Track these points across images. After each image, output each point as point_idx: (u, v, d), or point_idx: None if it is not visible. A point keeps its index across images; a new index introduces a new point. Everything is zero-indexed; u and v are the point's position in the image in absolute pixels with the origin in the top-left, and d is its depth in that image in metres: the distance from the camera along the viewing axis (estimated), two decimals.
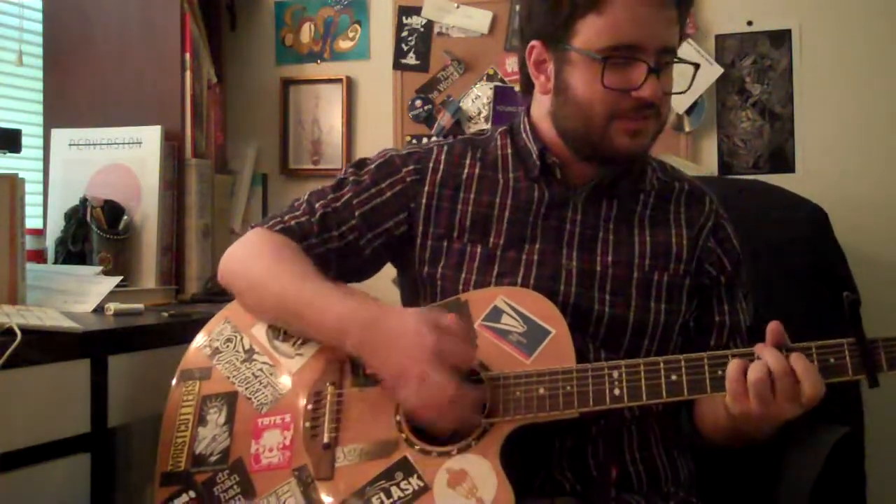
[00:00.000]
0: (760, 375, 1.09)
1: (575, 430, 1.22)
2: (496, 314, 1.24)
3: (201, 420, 1.30)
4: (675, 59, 1.26)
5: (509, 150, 1.38)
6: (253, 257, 1.34)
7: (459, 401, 1.14)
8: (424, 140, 2.35)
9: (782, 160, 2.20)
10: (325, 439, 1.23)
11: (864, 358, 1.09)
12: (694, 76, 1.30)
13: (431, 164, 1.38)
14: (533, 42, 1.30)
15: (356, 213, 1.36)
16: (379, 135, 2.44)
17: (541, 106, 1.34)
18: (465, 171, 1.37)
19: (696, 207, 1.37)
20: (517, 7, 2.34)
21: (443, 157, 1.38)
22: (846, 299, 1.11)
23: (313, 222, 1.36)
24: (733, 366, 1.11)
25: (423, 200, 1.35)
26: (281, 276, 1.29)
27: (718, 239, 1.35)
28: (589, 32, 1.23)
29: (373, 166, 1.39)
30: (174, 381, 1.34)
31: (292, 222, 1.36)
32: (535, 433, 1.19)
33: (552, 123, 1.32)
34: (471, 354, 1.17)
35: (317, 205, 1.37)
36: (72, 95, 2.25)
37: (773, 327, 1.13)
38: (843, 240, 1.85)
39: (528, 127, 1.36)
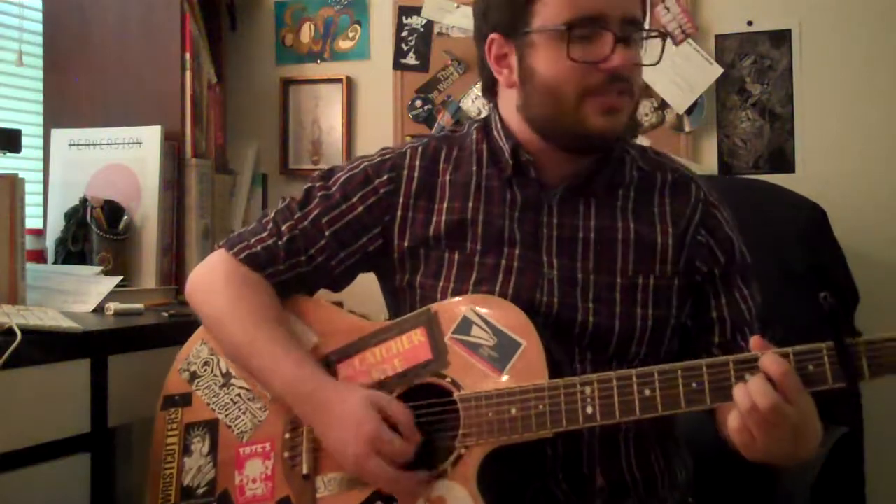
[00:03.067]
0: (753, 402, 1.02)
1: (567, 438, 1.18)
2: (466, 326, 1.20)
3: (186, 450, 1.29)
4: (645, 32, 1.22)
5: (484, 146, 1.31)
6: (214, 293, 1.31)
7: (394, 485, 1.15)
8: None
9: (782, 160, 2.20)
10: (304, 470, 1.21)
11: (843, 364, 1.01)
12: (663, 48, 1.25)
13: (406, 172, 1.31)
14: (492, 36, 1.25)
15: (326, 233, 1.30)
16: (379, 135, 2.44)
17: (508, 101, 1.28)
18: (439, 178, 1.31)
19: (681, 199, 1.29)
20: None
21: (417, 161, 1.32)
22: (823, 301, 1.01)
23: (280, 246, 1.31)
24: (732, 419, 1.05)
25: (399, 213, 1.30)
26: (237, 322, 1.27)
27: (709, 229, 1.28)
28: (548, 11, 1.18)
29: (343, 178, 1.33)
30: (158, 408, 1.33)
31: (259, 247, 1.31)
32: (526, 443, 1.16)
33: (523, 117, 1.25)
34: (407, 453, 1.15)
35: (284, 226, 1.31)
36: (72, 95, 2.25)
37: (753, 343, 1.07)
38: (843, 240, 1.85)
39: (498, 124, 1.30)
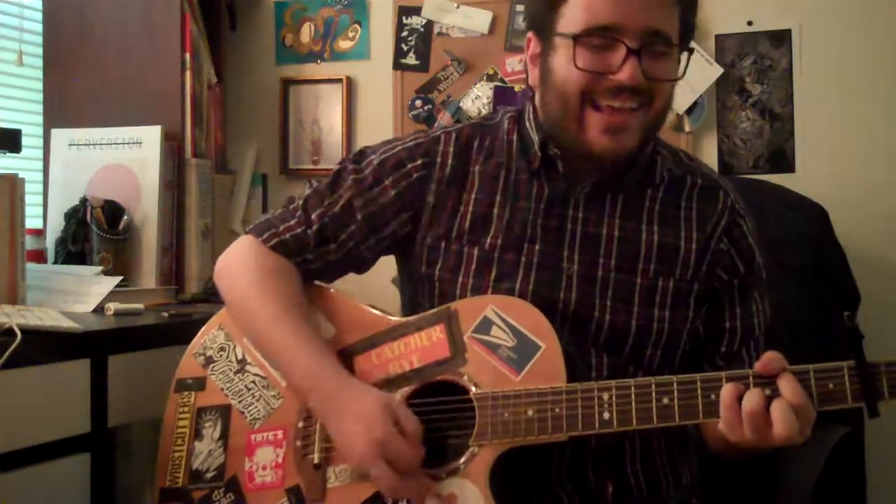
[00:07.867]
0: (756, 406, 1.04)
1: (574, 442, 1.18)
2: (486, 325, 1.20)
3: (197, 434, 1.29)
4: (668, 47, 1.19)
5: (515, 136, 1.31)
6: (240, 278, 1.31)
7: (395, 491, 1.14)
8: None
9: (782, 160, 2.20)
10: (316, 459, 1.21)
11: (863, 384, 1.02)
12: (688, 61, 1.23)
13: (439, 159, 1.31)
14: (529, 35, 1.27)
15: (357, 217, 1.30)
16: (379, 135, 2.40)
17: (538, 98, 1.29)
18: (471, 167, 1.30)
19: (708, 205, 1.28)
20: (516, 7, 2.35)
21: (450, 148, 1.31)
22: (847, 322, 1.05)
23: (309, 235, 1.31)
24: (726, 392, 1.06)
25: (430, 199, 1.30)
26: (261, 310, 1.27)
27: (732, 238, 1.27)
28: (569, 16, 1.18)
29: (376, 161, 1.32)
30: (171, 390, 1.33)
31: (287, 235, 1.31)
32: (533, 446, 1.16)
33: (542, 115, 1.28)
34: (414, 463, 1.14)
35: (314, 214, 1.31)
36: (72, 95, 2.25)
37: (768, 358, 1.06)
38: (843, 239, 1.85)
39: (531, 115, 1.30)
